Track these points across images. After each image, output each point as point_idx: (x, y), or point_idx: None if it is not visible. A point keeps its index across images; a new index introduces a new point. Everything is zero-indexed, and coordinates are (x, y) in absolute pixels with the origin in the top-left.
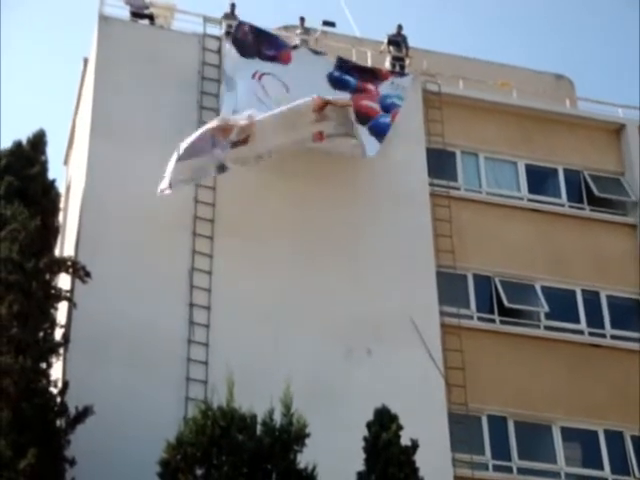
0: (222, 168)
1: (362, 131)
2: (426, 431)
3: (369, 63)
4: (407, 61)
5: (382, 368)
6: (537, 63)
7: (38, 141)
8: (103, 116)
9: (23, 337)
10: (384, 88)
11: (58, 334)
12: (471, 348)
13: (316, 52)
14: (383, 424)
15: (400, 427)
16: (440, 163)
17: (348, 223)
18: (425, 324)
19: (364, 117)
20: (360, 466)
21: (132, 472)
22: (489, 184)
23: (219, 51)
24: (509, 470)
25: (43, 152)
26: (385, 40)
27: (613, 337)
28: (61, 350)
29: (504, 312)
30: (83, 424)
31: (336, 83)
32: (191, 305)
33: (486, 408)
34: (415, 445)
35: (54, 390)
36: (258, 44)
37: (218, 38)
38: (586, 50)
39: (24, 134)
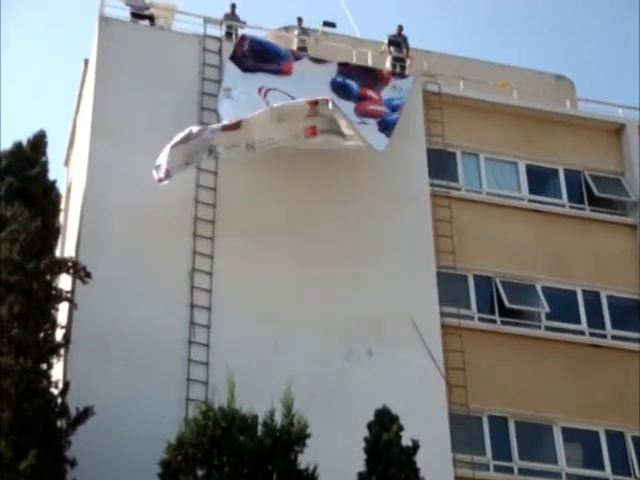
0: (213, 151)
1: (372, 125)
2: (427, 431)
3: (369, 64)
4: (408, 62)
5: (383, 369)
6: (537, 63)
7: (38, 142)
8: (104, 117)
9: (24, 338)
10: (386, 93)
11: (59, 335)
12: (472, 348)
13: (317, 60)
14: (384, 425)
15: (401, 428)
16: (440, 163)
17: (349, 224)
18: (426, 324)
19: (372, 117)
20: (361, 467)
21: (133, 473)
22: (490, 184)
23: (219, 52)
24: (510, 470)
25: (43, 153)
26: (385, 41)
27: (614, 337)
28: (62, 351)
29: (505, 312)
30: (84, 425)
31: (339, 89)
32: (192, 306)
33: (487, 408)
34: (416, 446)
35: (55, 391)
36: (259, 59)
37: (218, 39)
38: (586, 50)
39: (24, 135)
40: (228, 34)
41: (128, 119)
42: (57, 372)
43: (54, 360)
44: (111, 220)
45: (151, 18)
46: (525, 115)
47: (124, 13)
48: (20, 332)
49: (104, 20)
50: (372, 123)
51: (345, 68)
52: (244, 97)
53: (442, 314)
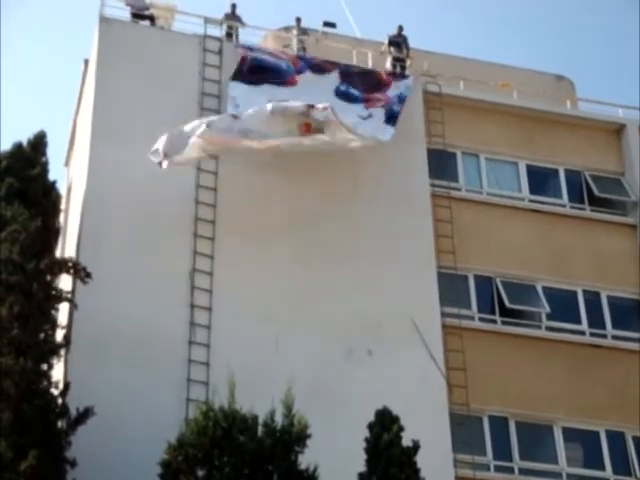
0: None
1: (378, 117)
2: (427, 432)
3: (370, 64)
4: (408, 62)
5: (383, 369)
6: (537, 64)
7: (38, 142)
8: (104, 117)
9: (24, 338)
10: (391, 92)
11: (59, 335)
12: (472, 349)
13: (318, 70)
14: (384, 425)
15: (401, 428)
16: (441, 164)
17: (349, 224)
18: (426, 325)
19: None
20: (361, 467)
21: (133, 473)
22: (490, 185)
23: (220, 52)
24: (510, 471)
25: (43, 153)
26: (386, 41)
27: (614, 337)
28: (62, 351)
29: (505, 313)
30: (84, 425)
31: (343, 97)
32: (192, 306)
33: (487, 409)
34: (416, 446)
35: (55, 391)
36: (261, 74)
37: (219, 39)
38: (586, 50)
39: (24, 135)
40: (228, 34)
41: (128, 119)
42: (57, 372)
43: (54, 360)
44: (111, 220)
45: (151, 18)
46: (525, 115)
47: (124, 13)
48: (20, 332)
49: (104, 20)
50: (379, 114)
51: (347, 77)
52: (252, 106)
53: (442, 314)
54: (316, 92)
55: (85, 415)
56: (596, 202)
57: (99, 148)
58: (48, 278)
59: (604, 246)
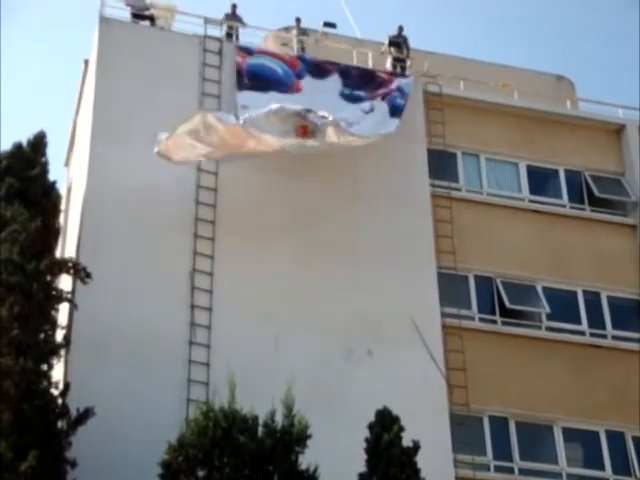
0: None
1: (382, 110)
2: (427, 432)
3: (370, 64)
4: (408, 62)
5: (383, 369)
6: (538, 64)
7: (38, 143)
8: (104, 117)
9: (24, 338)
10: (392, 86)
11: (59, 335)
12: (472, 349)
13: (319, 74)
14: (384, 425)
15: (401, 428)
16: (441, 164)
17: (349, 224)
18: (426, 325)
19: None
20: (361, 467)
21: (133, 473)
22: (490, 185)
23: (220, 52)
24: (510, 471)
25: (43, 154)
26: (386, 41)
27: (614, 338)
28: (62, 351)
29: (505, 313)
30: (84, 425)
31: (349, 99)
32: (192, 306)
33: (487, 409)
34: (417, 446)
35: (55, 392)
36: (264, 82)
37: (219, 39)
38: (586, 50)
39: (24, 136)
40: (228, 35)
41: (128, 120)
42: (57, 373)
43: (54, 361)
44: (111, 221)
45: (151, 19)
46: (525, 115)
47: (124, 14)
48: (20, 333)
49: (104, 20)
50: (382, 107)
51: (349, 81)
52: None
53: (443, 314)
54: (322, 97)
55: (85, 415)
56: (596, 202)
57: (99, 148)
58: (48, 278)
59: (604, 246)
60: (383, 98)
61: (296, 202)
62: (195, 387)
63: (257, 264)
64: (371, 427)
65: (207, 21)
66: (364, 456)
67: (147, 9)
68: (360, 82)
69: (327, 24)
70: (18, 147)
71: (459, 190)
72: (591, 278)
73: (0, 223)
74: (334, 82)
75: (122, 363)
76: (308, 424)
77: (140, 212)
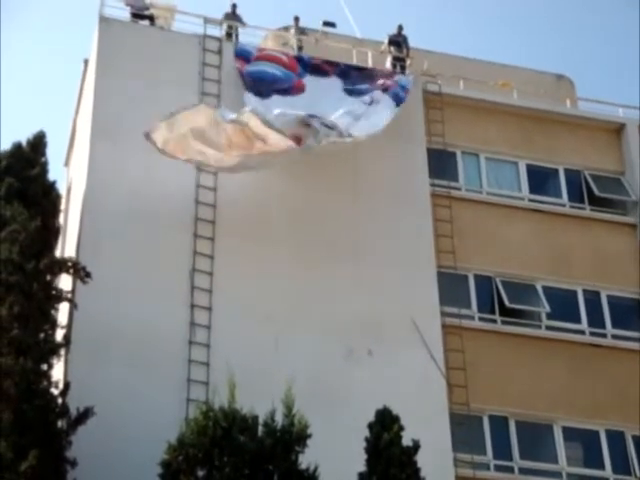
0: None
1: (385, 102)
2: (427, 431)
3: (370, 64)
4: (408, 61)
5: (383, 368)
6: (537, 63)
7: (38, 142)
8: (104, 117)
9: (24, 338)
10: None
11: (59, 335)
12: (472, 348)
13: (321, 74)
14: (384, 425)
15: (401, 428)
16: (441, 163)
17: (349, 224)
18: (426, 324)
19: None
20: (361, 467)
21: (133, 473)
22: (490, 184)
23: (219, 52)
24: (510, 470)
25: (43, 154)
26: (386, 40)
27: (614, 337)
28: (62, 351)
29: (505, 312)
30: (84, 425)
31: (352, 93)
32: (192, 306)
33: (487, 408)
34: (416, 445)
35: (55, 391)
36: (266, 85)
37: (218, 39)
38: (586, 50)
39: (24, 135)
40: (228, 34)
41: (128, 119)
42: (57, 372)
43: (54, 360)
44: (111, 220)
45: (151, 18)
46: (525, 115)
47: (124, 13)
48: (20, 332)
49: (104, 20)
50: (387, 99)
51: (349, 80)
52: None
53: (442, 314)
54: (327, 96)
55: (85, 415)
56: (596, 202)
57: (99, 148)
58: (48, 278)
59: (604, 246)
60: (386, 90)
61: (296, 202)
62: (195, 387)
63: (257, 264)
64: (371, 427)
65: (207, 21)
66: (364, 456)
67: (147, 9)
68: (360, 78)
69: (327, 23)
70: (18, 147)
71: (459, 189)
72: (591, 277)
73: (0, 223)
74: (334, 81)
75: (122, 363)
76: (308, 424)
77: (140, 212)
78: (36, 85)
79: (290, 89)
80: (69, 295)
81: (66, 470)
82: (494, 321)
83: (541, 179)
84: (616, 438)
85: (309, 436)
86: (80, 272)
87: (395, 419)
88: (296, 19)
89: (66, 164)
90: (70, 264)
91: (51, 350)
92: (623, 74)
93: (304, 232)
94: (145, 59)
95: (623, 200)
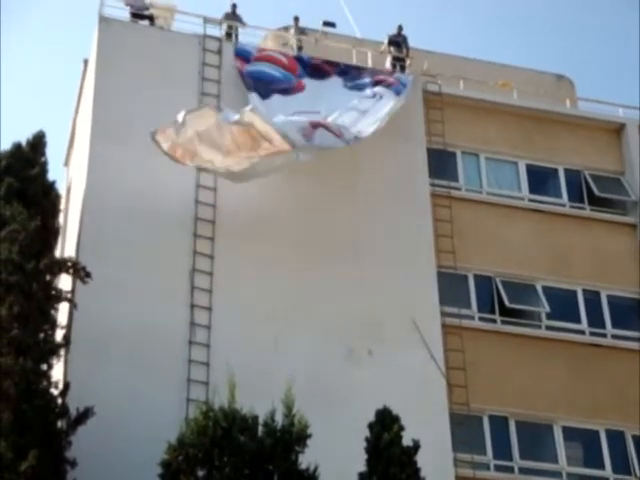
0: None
1: (387, 95)
2: (427, 431)
3: (369, 64)
4: (408, 61)
5: (383, 368)
6: (537, 63)
7: (38, 142)
8: (103, 117)
9: (23, 338)
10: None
11: (59, 335)
12: (472, 348)
13: (319, 77)
14: (385, 424)
15: (402, 427)
16: (441, 163)
17: (349, 224)
18: (426, 324)
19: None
20: (362, 466)
21: (133, 473)
22: (490, 184)
23: (219, 52)
24: (510, 470)
25: (43, 153)
26: (385, 40)
27: (614, 337)
28: (62, 351)
29: (505, 312)
30: (84, 425)
31: (353, 88)
32: (192, 306)
33: (487, 408)
34: (417, 445)
35: (55, 391)
36: (263, 85)
37: (218, 39)
38: (586, 50)
39: (24, 135)
40: (228, 34)
41: (128, 119)
42: (57, 372)
43: (54, 360)
44: (111, 220)
45: (151, 18)
46: (525, 115)
47: (124, 13)
48: (20, 332)
49: (104, 20)
50: (389, 93)
51: (349, 76)
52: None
53: (442, 314)
54: (326, 93)
55: (85, 415)
56: (596, 202)
57: (99, 148)
58: (48, 278)
59: (604, 245)
60: (389, 86)
61: (296, 201)
62: (195, 387)
63: (257, 264)
64: (371, 426)
65: (206, 21)
66: (364, 455)
67: (146, 9)
68: (360, 76)
69: (326, 23)
70: (17, 147)
71: (459, 189)
72: (591, 277)
73: (0, 222)
74: (335, 80)
75: (122, 363)
76: (308, 424)
77: (140, 211)
78: (36, 85)
79: (290, 90)
80: (69, 295)
81: (66, 470)
82: (494, 321)
83: (541, 179)
84: (616, 438)
85: (309, 436)
86: (80, 272)
87: (395, 419)
88: (296, 19)
89: (66, 164)
90: (70, 264)
91: (51, 350)
92: (623, 74)
93: (304, 232)
94: (145, 59)
95: (623, 200)
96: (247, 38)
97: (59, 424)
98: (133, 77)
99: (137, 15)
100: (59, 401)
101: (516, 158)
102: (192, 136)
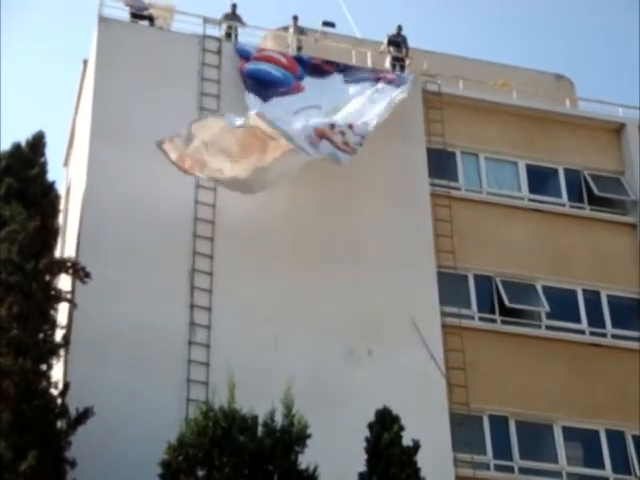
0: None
1: (388, 90)
2: (427, 431)
3: (369, 64)
4: (407, 61)
5: (383, 368)
6: (537, 63)
7: (37, 143)
8: (103, 118)
9: (23, 338)
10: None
11: (58, 335)
12: (472, 348)
13: (321, 74)
14: (385, 424)
15: (402, 427)
16: (440, 163)
17: (348, 223)
18: (426, 324)
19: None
20: (362, 467)
21: (133, 473)
22: (490, 184)
23: (219, 52)
24: (510, 470)
25: (42, 154)
26: (385, 40)
27: (614, 336)
28: (61, 351)
29: (505, 312)
30: (84, 425)
31: (353, 81)
32: (192, 306)
33: (487, 408)
34: (417, 445)
35: (54, 391)
36: (265, 88)
37: (218, 39)
38: (586, 50)
39: (24, 136)
40: (227, 34)
41: (127, 120)
42: (57, 373)
43: (54, 361)
44: (111, 221)
45: (150, 18)
46: (525, 115)
47: (123, 14)
48: (19, 333)
49: (103, 20)
50: (389, 87)
51: (348, 73)
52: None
53: (442, 314)
54: (327, 88)
55: (85, 415)
56: (596, 201)
57: (98, 148)
58: (47, 278)
59: (604, 245)
60: (389, 82)
61: (296, 202)
62: (195, 387)
63: (257, 264)
64: (371, 426)
65: (206, 21)
66: (364, 456)
67: (146, 9)
68: (360, 73)
69: (326, 23)
70: (17, 147)
71: (458, 189)
72: (591, 277)
73: None
74: (335, 76)
75: (121, 363)
76: (307, 424)
77: (139, 212)
78: (36, 85)
79: (290, 91)
80: (68, 295)
81: (65, 470)
82: (494, 321)
83: (541, 179)
84: (616, 438)
85: (309, 436)
86: (79, 272)
87: (395, 419)
88: (295, 18)
89: (65, 164)
90: (69, 264)
91: (50, 350)
92: (623, 74)
93: (304, 232)
94: (144, 59)
95: (623, 200)
96: (247, 38)
97: (59, 424)
98: (133, 77)
99: (137, 15)
100: (59, 401)
101: (516, 158)
102: (199, 145)
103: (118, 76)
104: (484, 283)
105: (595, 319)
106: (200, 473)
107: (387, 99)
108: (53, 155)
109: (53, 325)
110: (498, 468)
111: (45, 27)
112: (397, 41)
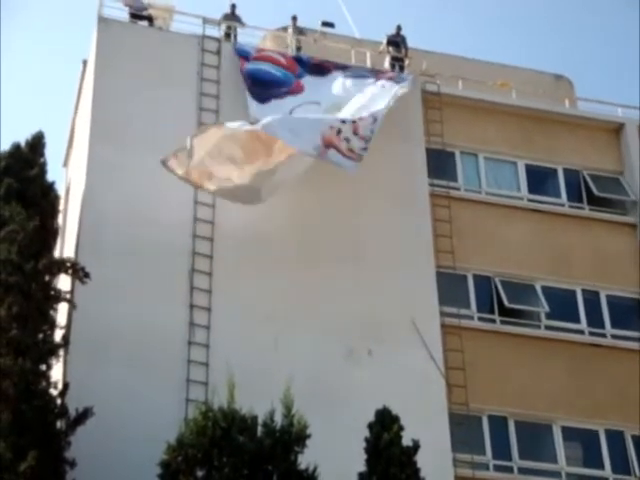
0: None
1: (388, 87)
2: (427, 431)
3: (368, 64)
4: (406, 61)
5: (383, 369)
6: (537, 63)
7: (37, 143)
8: (102, 118)
9: (23, 339)
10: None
11: (58, 335)
12: (471, 348)
13: (320, 73)
14: (384, 425)
15: (401, 428)
16: (440, 163)
17: (348, 224)
18: (425, 324)
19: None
20: (361, 467)
21: (133, 473)
22: (489, 184)
23: (218, 52)
24: (510, 470)
25: (42, 154)
26: (384, 40)
27: (613, 337)
28: (61, 351)
29: (504, 312)
30: (83, 426)
31: (353, 77)
32: (191, 306)
33: (487, 408)
34: (416, 445)
35: (54, 392)
36: (264, 89)
37: (217, 39)
38: (586, 50)
39: (23, 136)
40: (227, 35)
41: (127, 120)
42: (56, 373)
43: (53, 361)
44: (110, 221)
45: (150, 19)
46: (524, 115)
47: (123, 14)
48: (19, 333)
49: (103, 21)
50: (389, 84)
51: (349, 70)
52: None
53: (442, 314)
54: (328, 85)
55: (84, 415)
56: (595, 201)
57: (97, 148)
58: (47, 278)
59: (603, 245)
60: (389, 79)
61: (295, 201)
62: (194, 387)
63: (256, 264)
64: (371, 426)
65: (205, 21)
66: (364, 456)
67: (145, 9)
68: (360, 71)
69: (325, 23)
70: (17, 147)
71: (458, 189)
72: (590, 277)
73: None
74: (335, 73)
75: (121, 363)
76: (307, 424)
77: (139, 212)
78: (35, 85)
79: (289, 93)
80: (68, 295)
81: (65, 471)
82: (493, 321)
83: (540, 179)
84: (616, 438)
85: (308, 436)
86: (79, 272)
87: (395, 419)
88: (294, 18)
89: (65, 165)
90: (69, 264)
91: (50, 350)
92: (623, 74)
93: (303, 232)
94: (144, 60)
95: (622, 200)
96: (246, 38)
97: (58, 424)
98: (132, 77)
99: (136, 16)
100: (58, 401)
101: (515, 158)
102: (203, 157)
103: (118, 76)
104: (483, 283)
105: (595, 319)
106: (199, 473)
107: (390, 92)
108: (53, 155)
109: (53, 325)
110: (497, 468)
111: (45, 27)
112: (396, 41)
